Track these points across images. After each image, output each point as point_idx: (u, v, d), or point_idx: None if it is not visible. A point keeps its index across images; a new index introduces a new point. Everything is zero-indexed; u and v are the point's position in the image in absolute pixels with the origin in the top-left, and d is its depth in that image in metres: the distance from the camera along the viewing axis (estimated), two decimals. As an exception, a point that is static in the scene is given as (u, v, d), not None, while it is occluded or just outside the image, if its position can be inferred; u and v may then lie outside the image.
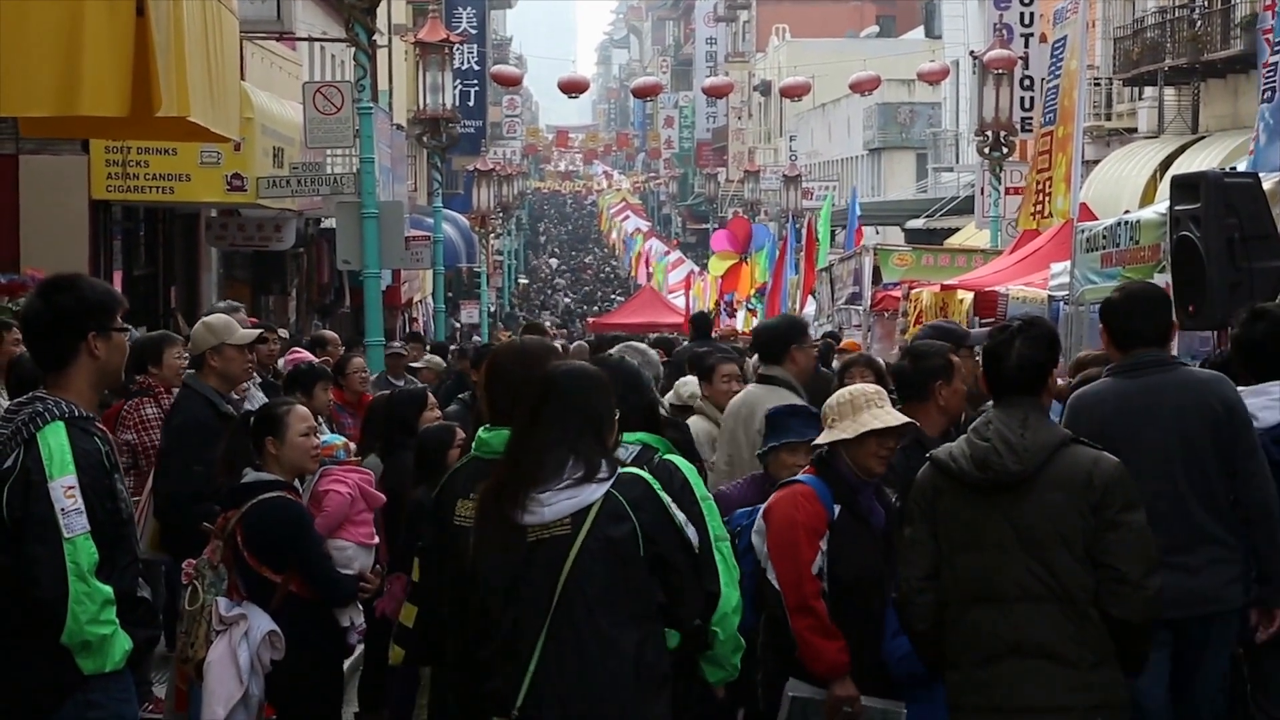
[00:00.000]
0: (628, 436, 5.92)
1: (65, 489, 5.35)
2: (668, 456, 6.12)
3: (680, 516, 5.50)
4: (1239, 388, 7.19)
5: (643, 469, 5.86)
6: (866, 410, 6.76)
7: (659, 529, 5.43)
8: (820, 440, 6.88)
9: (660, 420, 6.49)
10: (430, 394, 9.84)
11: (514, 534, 5.41)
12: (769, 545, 6.78)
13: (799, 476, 6.91)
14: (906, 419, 6.83)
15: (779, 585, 6.71)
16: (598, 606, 5.35)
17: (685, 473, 6.05)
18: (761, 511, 6.89)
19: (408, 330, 33.33)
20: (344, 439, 8.34)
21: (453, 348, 21.85)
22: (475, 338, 37.46)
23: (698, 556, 5.54)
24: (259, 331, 10.02)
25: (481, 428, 5.92)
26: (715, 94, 55.49)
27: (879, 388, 7.12)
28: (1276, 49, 13.12)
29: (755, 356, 10.45)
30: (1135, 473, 6.03)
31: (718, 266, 49.11)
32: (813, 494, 6.76)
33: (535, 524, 5.40)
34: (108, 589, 5.40)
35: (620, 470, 5.48)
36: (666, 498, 5.51)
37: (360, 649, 8.01)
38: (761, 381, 9.58)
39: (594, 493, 5.39)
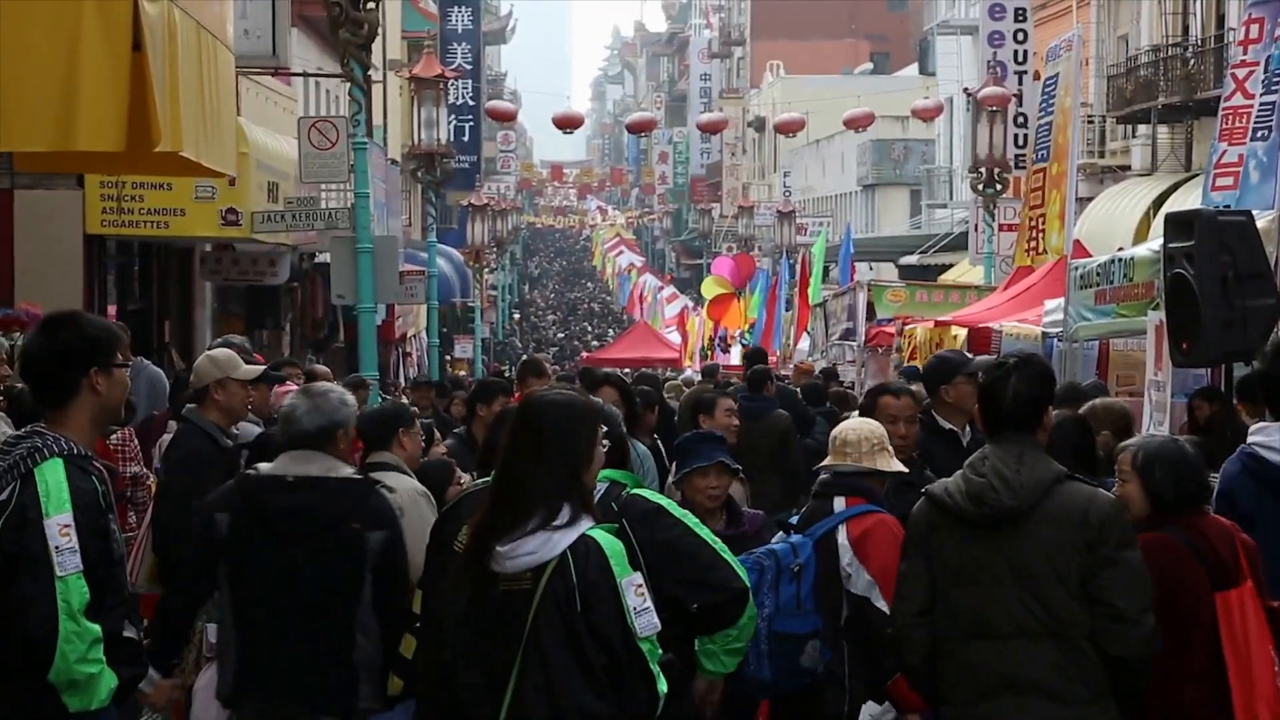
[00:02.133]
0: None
1: (61, 527, 5.34)
2: (635, 490, 6.13)
3: (631, 603, 5.38)
4: (1263, 424, 7.16)
5: (611, 505, 5.86)
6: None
7: (599, 598, 5.36)
8: (890, 469, 7.47)
9: (628, 455, 6.49)
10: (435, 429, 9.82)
11: (488, 582, 5.42)
12: (876, 573, 7.08)
13: (860, 507, 7.29)
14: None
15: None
16: (559, 662, 5.33)
17: (655, 500, 6.08)
18: (851, 543, 7.19)
19: (405, 372, 33.34)
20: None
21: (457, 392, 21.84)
22: (462, 372, 37.38)
23: (639, 650, 5.39)
24: (263, 368, 10.01)
25: None
26: (709, 130, 55.49)
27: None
28: (1273, 88, 13.16)
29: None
30: None
31: (710, 289, 49.25)
32: (899, 522, 7.05)
33: (503, 574, 5.41)
34: (96, 628, 5.39)
35: (585, 532, 5.42)
36: (623, 579, 5.39)
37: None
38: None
39: (553, 549, 5.36)
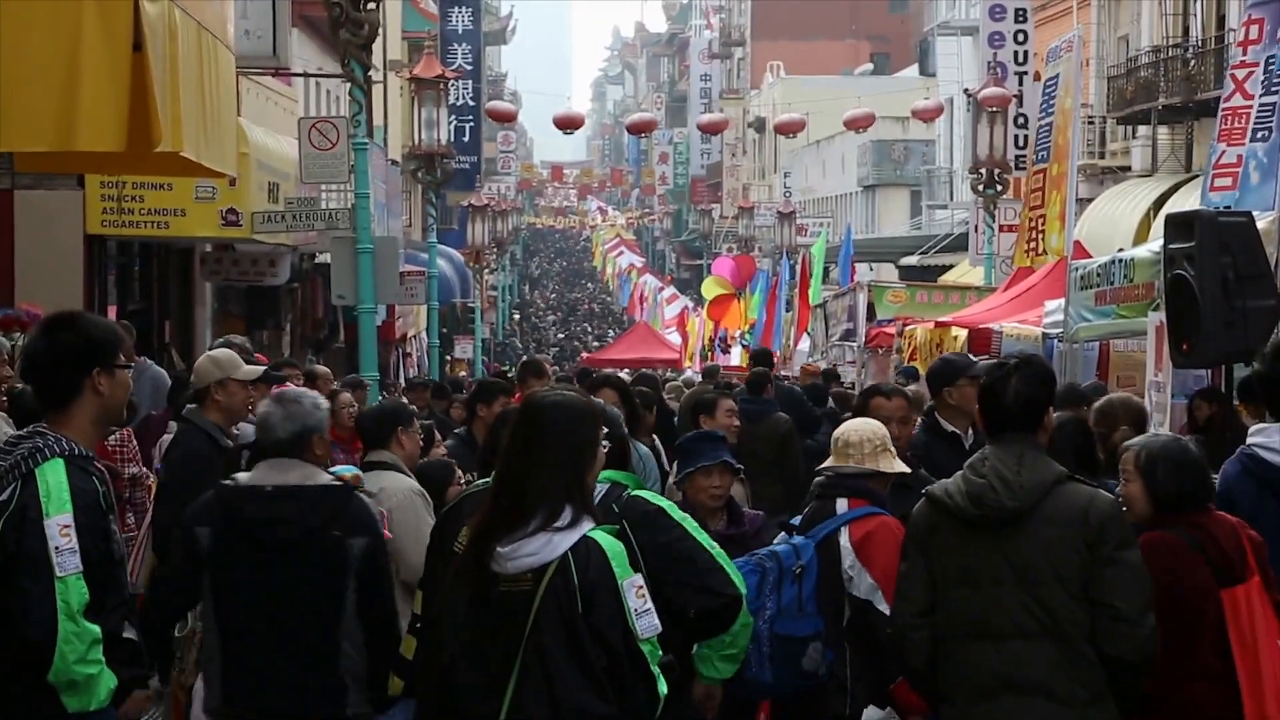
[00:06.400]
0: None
1: (61, 527, 5.34)
2: (636, 492, 6.14)
3: (632, 604, 5.37)
4: (1262, 425, 7.16)
5: (612, 507, 5.86)
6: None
7: (600, 598, 5.35)
8: (892, 470, 7.45)
9: (629, 457, 6.50)
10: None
11: (488, 582, 5.41)
12: (879, 577, 7.04)
13: (863, 509, 7.28)
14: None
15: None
16: (559, 662, 5.32)
17: (656, 502, 6.08)
18: (854, 545, 7.19)
19: (405, 373, 33.32)
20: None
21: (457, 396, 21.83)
22: (462, 373, 37.37)
23: (639, 651, 5.39)
24: (263, 369, 10.01)
25: None
26: (710, 130, 55.49)
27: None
28: (1273, 89, 13.16)
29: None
30: None
31: (710, 289, 49.26)
32: (900, 524, 6.97)
33: (503, 575, 5.40)
34: (96, 629, 5.39)
35: (587, 533, 5.40)
36: (624, 580, 5.38)
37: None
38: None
39: (554, 550, 5.35)
